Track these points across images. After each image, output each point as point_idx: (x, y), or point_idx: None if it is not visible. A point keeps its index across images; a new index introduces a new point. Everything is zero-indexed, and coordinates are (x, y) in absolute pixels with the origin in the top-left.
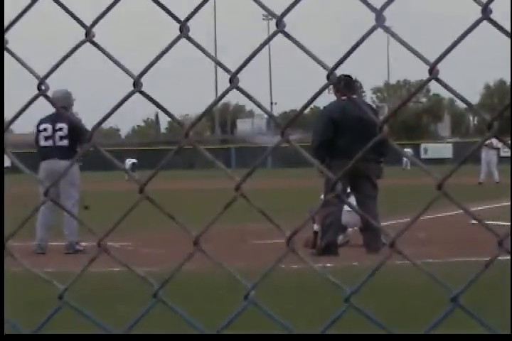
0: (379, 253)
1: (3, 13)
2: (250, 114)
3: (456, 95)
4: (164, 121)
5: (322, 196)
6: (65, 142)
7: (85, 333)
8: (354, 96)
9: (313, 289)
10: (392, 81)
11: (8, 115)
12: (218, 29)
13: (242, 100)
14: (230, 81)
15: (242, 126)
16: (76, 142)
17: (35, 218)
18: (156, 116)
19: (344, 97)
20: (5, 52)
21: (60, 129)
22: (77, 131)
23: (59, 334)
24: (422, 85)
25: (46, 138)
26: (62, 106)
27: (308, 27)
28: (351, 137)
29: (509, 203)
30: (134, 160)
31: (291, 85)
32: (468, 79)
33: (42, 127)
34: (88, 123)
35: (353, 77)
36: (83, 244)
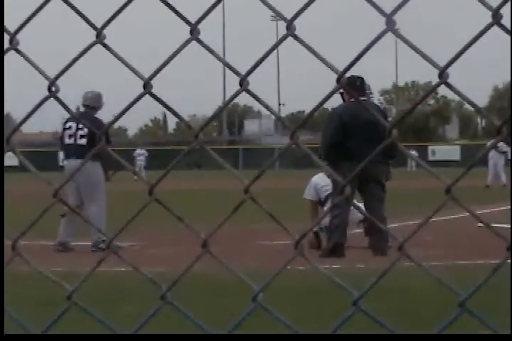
0: (385, 255)
1: (3, 13)
2: (258, 115)
3: (465, 99)
4: (172, 121)
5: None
6: (83, 141)
7: (94, 331)
8: (363, 98)
9: (319, 290)
10: (401, 83)
11: (18, 116)
12: (226, 30)
13: (250, 101)
14: (240, 84)
15: (250, 126)
16: (95, 142)
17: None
18: (164, 115)
19: (353, 99)
20: (16, 53)
21: (82, 128)
22: (95, 132)
23: (59, 334)
24: (432, 90)
25: (70, 136)
26: (92, 106)
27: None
28: (360, 139)
29: None
30: (144, 151)
31: (298, 86)
32: (477, 80)
33: (68, 125)
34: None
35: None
36: (89, 243)
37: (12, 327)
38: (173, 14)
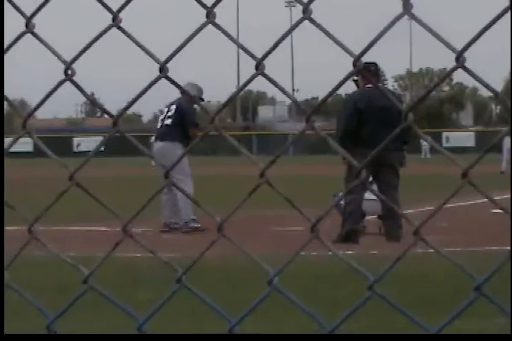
0: (399, 241)
1: (3, 13)
2: (272, 101)
3: (482, 83)
4: None
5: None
6: (168, 121)
7: (108, 317)
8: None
9: (333, 276)
10: (415, 69)
11: (33, 102)
12: (240, 15)
13: (264, 87)
14: (256, 67)
15: (264, 112)
16: (179, 123)
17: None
18: None
19: (369, 85)
20: (32, 36)
21: (171, 110)
22: (183, 113)
23: (59, 334)
24: (449, 73)
25: (161, 121)
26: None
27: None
28: (375, 126)
29: None
30: None
31: (312, 72)
32: (492, 66)
33: (163, 110)
34: (110, 104)
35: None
36: (103, 229)
37: (30, 312)
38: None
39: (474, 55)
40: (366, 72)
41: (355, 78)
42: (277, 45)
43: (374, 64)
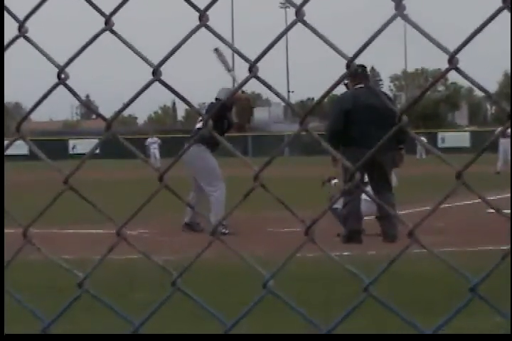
0: (396, 241)
1: (3, 13)
2: (267, 103)
3: (475, 85)
4: (181, 108)
5: (333, 182)
6: (199, 125)
7: (103, 320)
8: (360, 85)
9: (329, 278)
10: (410, 69)
11: (28, 105)
12: (235, 16)
13: (259, 88)
14: (250, 70)
15: (259, 114)
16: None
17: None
18: (173, 103)
19: (358, 86)
20: (25, 40)
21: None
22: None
23: (59, 334)
24: (442, 75)
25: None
26: (219, 99)
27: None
28: (365, 125)
29: None
30: (156, 139)
31: (308, 73)
32: (487, 66)
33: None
34: (105, 104)
35: (369, 66)
36: (99, 231)
37: (24, 315)
38: (180, 5)
39: (473, 51)
40: (355, 73)
41: (345, 81)
42: (270, 47)
43: (361, 66)
